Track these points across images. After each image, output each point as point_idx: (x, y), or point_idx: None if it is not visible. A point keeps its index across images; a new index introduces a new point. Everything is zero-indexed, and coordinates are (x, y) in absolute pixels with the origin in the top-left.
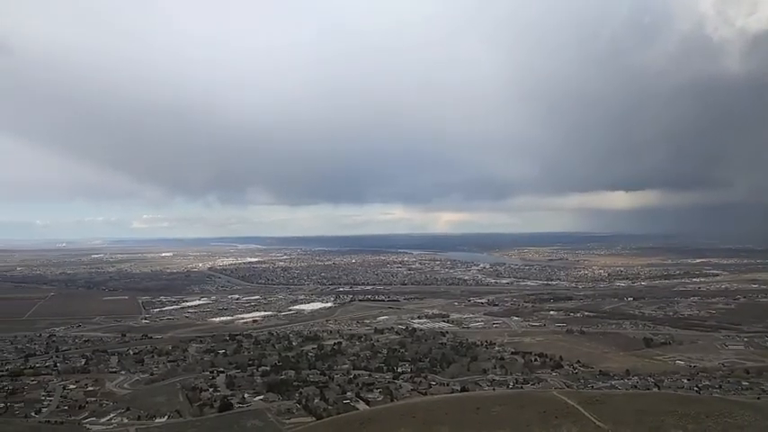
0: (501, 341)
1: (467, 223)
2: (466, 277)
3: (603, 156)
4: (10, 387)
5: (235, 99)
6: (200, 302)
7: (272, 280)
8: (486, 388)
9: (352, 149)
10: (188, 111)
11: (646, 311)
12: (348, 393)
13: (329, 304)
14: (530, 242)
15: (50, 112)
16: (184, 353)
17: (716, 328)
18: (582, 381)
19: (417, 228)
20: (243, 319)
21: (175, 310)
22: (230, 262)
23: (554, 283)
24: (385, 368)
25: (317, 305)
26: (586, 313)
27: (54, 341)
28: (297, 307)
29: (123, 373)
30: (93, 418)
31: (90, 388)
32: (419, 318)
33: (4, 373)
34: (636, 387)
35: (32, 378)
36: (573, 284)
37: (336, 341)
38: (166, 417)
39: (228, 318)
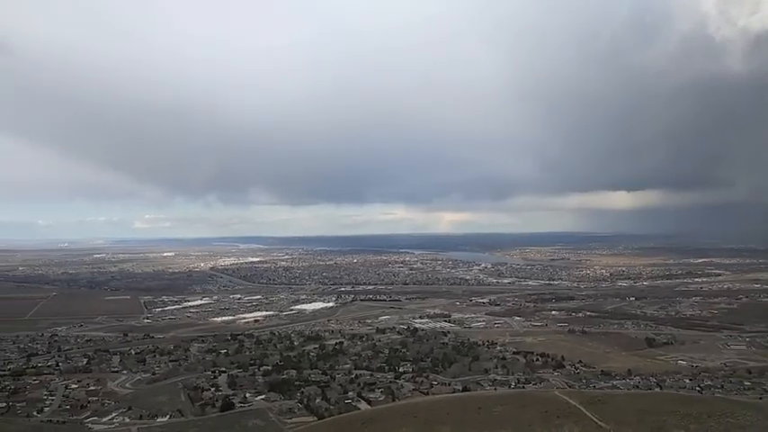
0: (503, 341)
1: (468, 223)
2: (467, 277)
3: (605, 156)
4: (12, 386)
5: (235, 99)
6: (202, 302)
7: (273, 280)
8: (488, 388)
9: (352, 149)
10: (188, 111)
11: (648, 311)
12: (350, 393)
13: (331, 304)
14: (531, 242)
15: (51, 112)
16: (186, 352)
17: (718, 328)
18: (584, 381)
19: (419, 228)
20: (244, 318)
21: (177, 309)
22: (232, 262)
23: (556, 282)
24: (386, 368)
25: (318, 305)
26: (588, 313)
27: (56, 341)
28: (298, 307)
29: (125, 372)
30: (95, 418)
31: (92, 387)
32: (421, 317)
33: (6, 373)
34: (638, 387)
35: (34, 377)
36: (575, 284)
37: (338, 341)
38: (168, 416)
39: (230, 317)
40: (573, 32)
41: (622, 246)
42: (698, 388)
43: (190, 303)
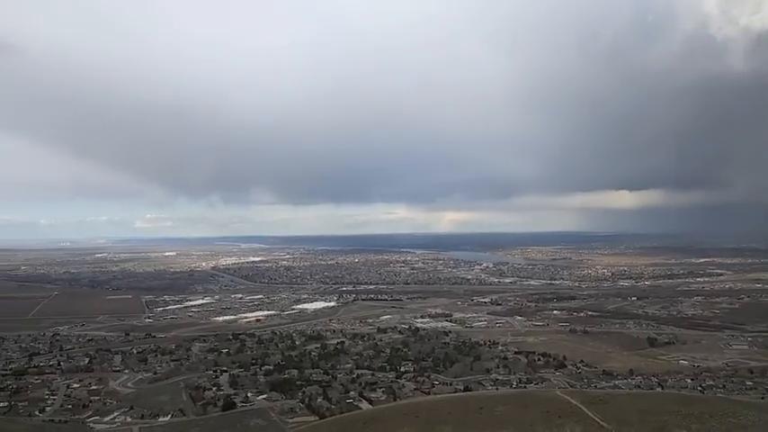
0: (504, 341)
1: (470, 223)
2: (469, 276)
3: (606, 155)
4: (14, 386)
5: (235, 99)
6: (204, 301)
7: (275, 279)
8: (490, 387)
9: (352, 149)
10: (189, 111)
11: (649, 311)
12: (351, 393)
13: (332, 303)
14: (533, 241)
15: (51, 112)
16: (188, 352)
17: (720, 327)
18: (585, 380)
19: (420, 227)
20: (246, 318)
21: (179, 309)
22: (233, 261)
23: (557, 282)
24: (388, 367)
25: (320, 304)
26: (590, 313)
27: (58, 340)
28: (300, 306)
29: (127, 371)
30: (97, 417)
31: (94, 387)
32: (422, 317)
33: (8, 372)
34: (639, 387)
35: (36, 377)
36: (576, 284)
37: (339, 340)
38: (170, 416)
39: (232, 317)
40: (574, 32)
41: (624, 245)
42: (699, 388)
43: (191, 303)
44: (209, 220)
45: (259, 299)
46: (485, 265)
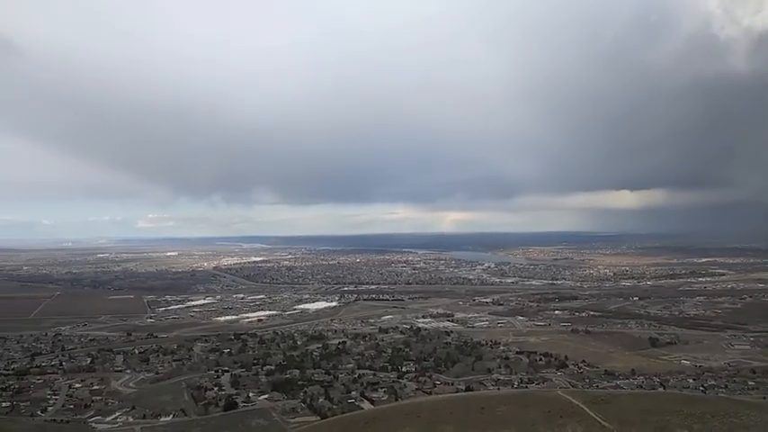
0: (506, 341)
1: (471, 222)
2: (470, 276)
3: (608, 155)
4: (16, 386)
5: (235, 99)
6: (206, 301)
7: (276, 279)
8: (491, 387)
9: (352, 149)
10: (189, 111)
11: (651, 311)
12: (353, 393)
13: (334, 303)
14: (534, 241)
15: (52, 112)
16: (189, 352)
17: (722, 327)
18: (587, 380)
19: (422, 227)
20: (248, 318)
21: (181, 309)
22: (235, 261)
23: (559, 282)
24: (389, 367)
25: (321, 304)
26: (591, 313)
27: (60, 340)
28: (301, 306)
29: (129, 371)
30: (99, 417)
31: (95, 387)
32: (424, 317)
33: (10, 372)
34: (641, 387)
35: (38, 377)
36: (578, 284)
37: (341, 340)
38: (171, 415)
39: (233, 317)
40: (576, 31)
41: (626, 245)
42: (701, 388)
43: (193, 303)
44: (210, 220)
45: (261, 299)
46: (486, 265)
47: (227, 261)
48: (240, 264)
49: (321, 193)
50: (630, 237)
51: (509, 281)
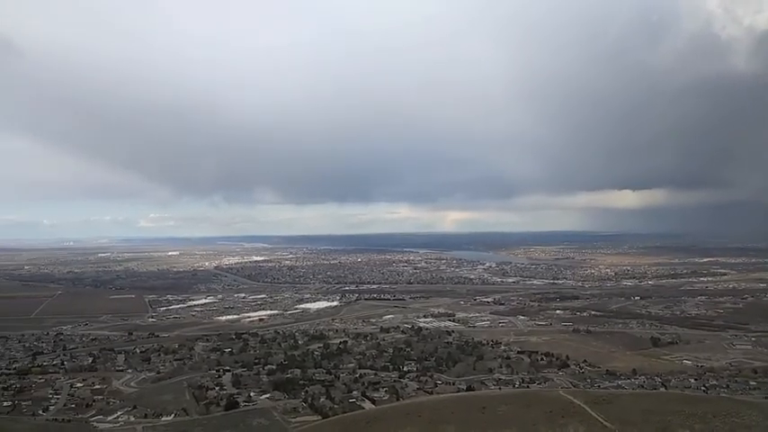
0: (507, 340)
1: (473, 222)
2: (472, 276)
3: (610, 154)
4: (18, 385)
5: (235, 99)
6: (207, 301)
7: (278, 279)
8: (492, 387)
9: (352, 149)
10: (189, 111)
11: (653, 311)
12: (354, 392)
13: (335, 303)
14: (536, 241)
15: (52, 112)
16: (191, 351)
17: (723, 327)
18: (588, 380)
19: (423, 227)
20: (249, 317)
21: (182, 308)
22: (236, 261)
23: (560, 282)
24: (391, 367)
25: (322, 304)
26: (593, 312)
27: (61, 339)
28: (303, 306)
29: (130, 371)
30: (101, 417)
31: (97, 386)
32: (425, 317)
33: (11, 372)
34: (643, 387)
35: (40, 376)
36: (579, 283)
37: (342, 340)
38: (173, 415)
39: (235, 316)
40: (577, 31)
41: (627, 245)
42: (703, 388)
43: (194, 302)
44: (212, 219)
45: (262, 298)
46: (487, 264)
47: (229, 260)
48: (241, 263)
49: (322, 192)
50: (632, 236)
51: (510, 280)
